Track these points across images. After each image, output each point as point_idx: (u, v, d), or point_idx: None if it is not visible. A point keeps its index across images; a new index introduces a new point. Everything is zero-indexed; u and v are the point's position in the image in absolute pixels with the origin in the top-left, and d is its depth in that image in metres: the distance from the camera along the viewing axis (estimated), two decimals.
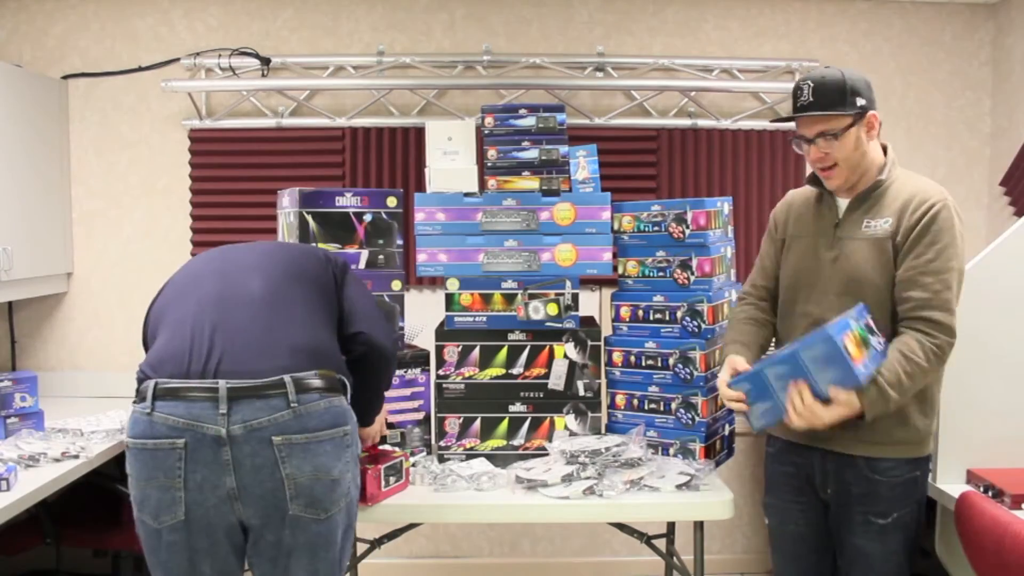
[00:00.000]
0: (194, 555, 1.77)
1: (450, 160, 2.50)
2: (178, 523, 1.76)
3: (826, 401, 1.89)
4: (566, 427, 2.44)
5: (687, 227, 2.37)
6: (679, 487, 2.19)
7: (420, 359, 2.45)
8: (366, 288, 2.11)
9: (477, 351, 2.44)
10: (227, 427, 1.71)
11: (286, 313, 1.87)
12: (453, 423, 2.44)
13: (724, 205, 2.50)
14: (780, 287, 2.19)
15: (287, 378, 1.75)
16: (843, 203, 2.09)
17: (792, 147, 2.15)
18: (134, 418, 1.80)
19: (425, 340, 2.54)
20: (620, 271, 2.52)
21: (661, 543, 2.63)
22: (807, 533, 2.15)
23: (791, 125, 2.11)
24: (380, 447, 2.28)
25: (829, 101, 1.98)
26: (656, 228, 2.43)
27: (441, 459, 2.40)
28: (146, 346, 2.00)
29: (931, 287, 1.93)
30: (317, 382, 1.78)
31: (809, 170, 2.15)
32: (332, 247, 2.32)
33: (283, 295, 1.90)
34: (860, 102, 2.00)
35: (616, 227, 2.49)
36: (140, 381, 1.83)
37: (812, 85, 1.99)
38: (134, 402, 1.82)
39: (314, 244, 2.31)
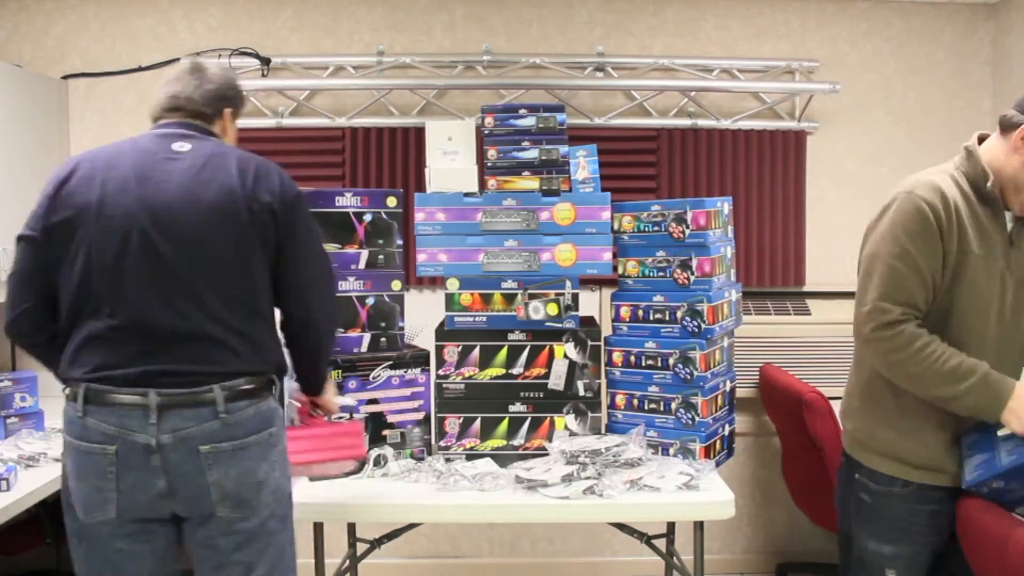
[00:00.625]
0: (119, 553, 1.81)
1: (450, 160, 2.50)
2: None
3: None
4: (566, 427, 2.44)
5: (687, 227, 2.37)
6: (679, 487, 2.19)
7: (420, 359, 2.45)
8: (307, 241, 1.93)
9: (477, 351, 2.44)
10: (156, 436, 1.74)
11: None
12: (453, 423, 2.44)
13: (724, 205, 2.50)
14: (950, 307, 1.89)
15: (216, 388, 1.75)
16: (1006, 214, 1.91)
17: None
18: None
19: (425, 340, 2.54)
20: (620, 271, 2.52)
21: (661, 543, 2.63)
22: None
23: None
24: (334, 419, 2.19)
25: None
26: (656, 228, 2.43)
27: (447, 460, 2.39)
28: None
29: None
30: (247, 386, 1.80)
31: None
32: (332, 247, 2.32)
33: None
34: None
35: (616, 227, 2.49)
36: None
37: None
38: None
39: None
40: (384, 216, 2.38)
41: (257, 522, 1.82)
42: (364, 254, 2.36)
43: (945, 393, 1.84)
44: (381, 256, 2.38)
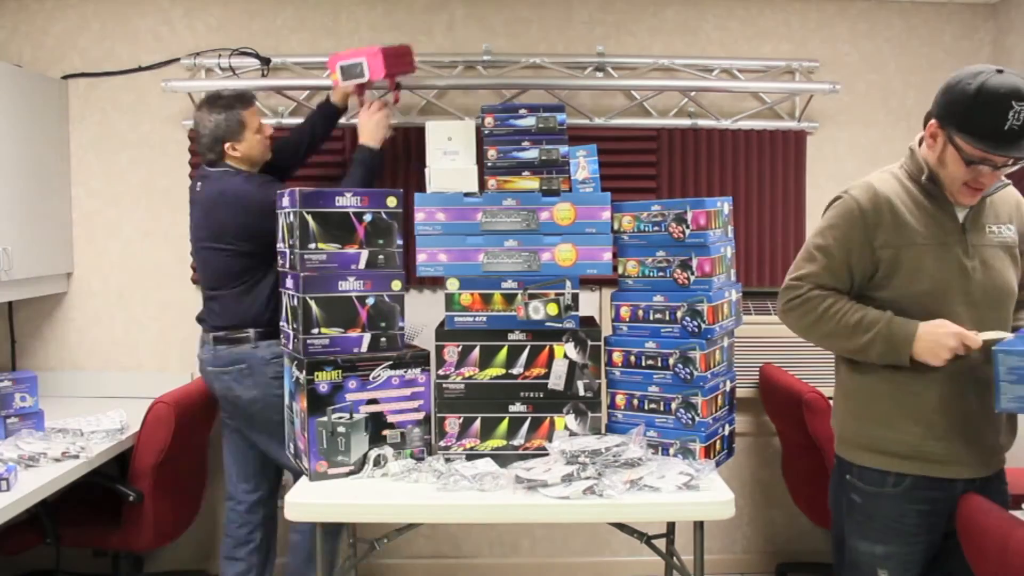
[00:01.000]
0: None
1: (450, 160, 2.51)
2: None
3: None
4: (566, 427, 2.44)
5: (687, 227, 2.37)
6: (679, 487, 2.19)
7: (420, 359, 2.45)
8: None
9: (477, 351, 2.44)
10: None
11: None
12: (453, 423, 2.44)
13: (724, 205, 2.50)
14: (904, 295, 1.96)
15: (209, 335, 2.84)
16: (955, 206, 1.99)
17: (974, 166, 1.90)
18: None
19: (425, 340, 2.54)
20: (620, 271, 2.52)
21: (661, 543, 2.63)
22: None
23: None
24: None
25: None
26: (656, 228, 2.43)
27: (447, 460, 2.39)
28: None
29: None
30: (224, 336, 2.81)
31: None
32: (332, 247, 2.33)
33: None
34: None
35: (616, 227, 2.49)
36: None
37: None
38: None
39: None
40: (384, 216, 2.38)
41: (246, 414, 2.84)
42: (364, 254, 2.36)
43: (855, 345, 1.97)
44: (381, 256, 2.38)
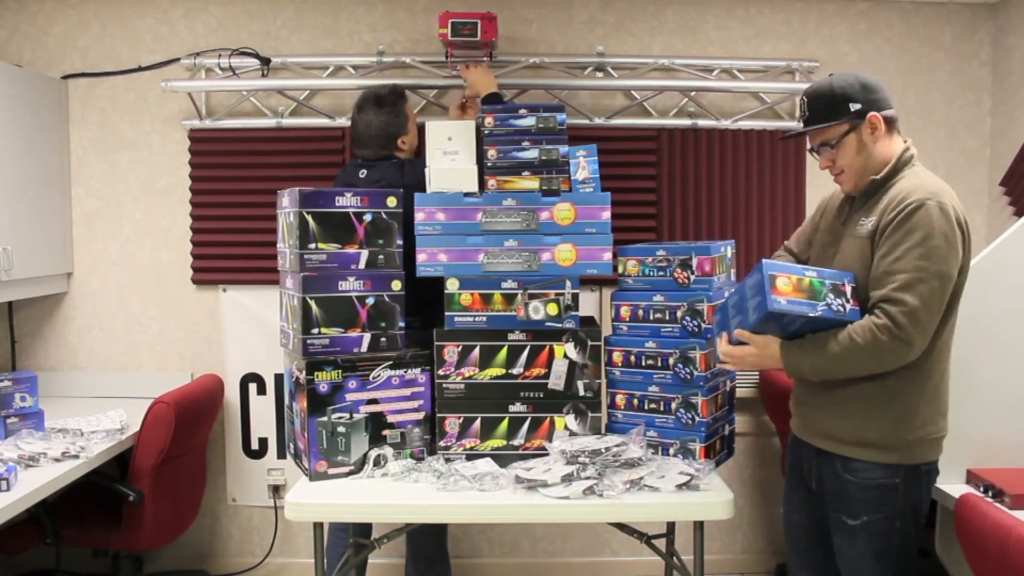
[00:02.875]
0: None
1: (450, 160, 2.50)
2: None
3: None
4: (566, 427, 2.44)
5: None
6: (679, 487, 2.19)
7: (420, 359, 2.45)
8: None
9: (477, 351, 2.44)
10: None
11: None
12: (453, 423, 2.44)
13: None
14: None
15: None
16: (854, 204, 2.14)
17: (808, 154, 2.25)
18: None
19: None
20: (620, 270, 2.52)
21: (661, 543, 2.63)
22: (809, 525, 2.19)
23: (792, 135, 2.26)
24: None
25: (820, 114, 2.05)
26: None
27: (447, 460, 2.39)
28: None
29: (889, 285, 1.89)
30: None
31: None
32: (332, 247, 2.33)
33: None
34: (855, 107, 2.02)
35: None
36: None
37: (807, 99, 2.09)
38: None
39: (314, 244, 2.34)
40: (384, 216, 2.38)
41: None
42: (364, 254, 2.36)
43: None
44: (381, 256, 2.38)
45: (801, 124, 2.13)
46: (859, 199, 2.09)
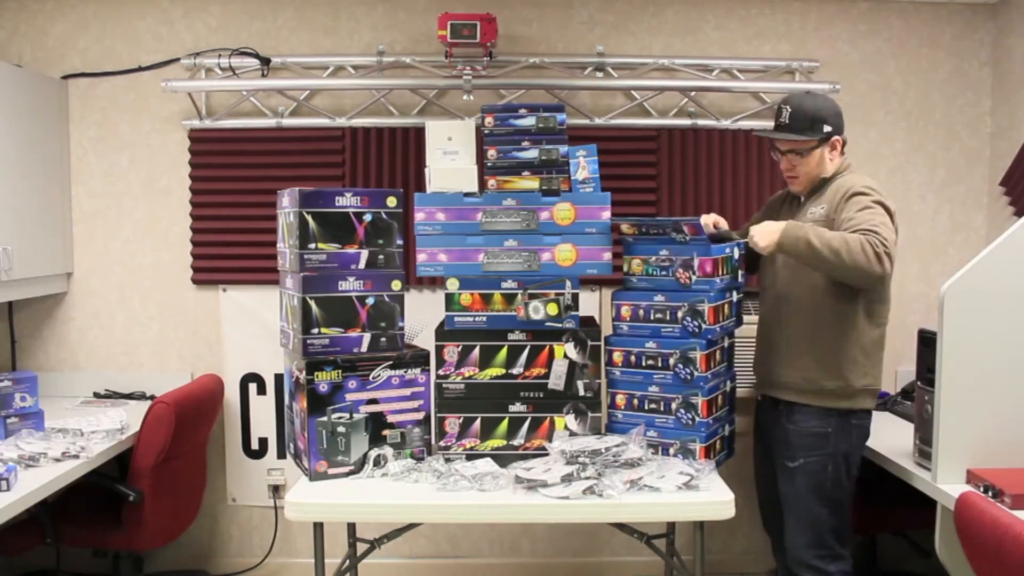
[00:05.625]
0: None
1: (450, 160, 2.50)
2: None
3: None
4: (566, 427, 2.44)
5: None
6: (679, 487, 2.19)
7: (420, 359, 2.45)
8: None
9: (477, 351, 2.44)
10: None
11: None
12: (453, 423, 2.44)
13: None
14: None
15: None
16: (804, 199, 2.54)
17: (769, 152, 2.61)
18: None
19: (425, 340, 2.54)
20: (625, 269, 2.51)
21: (661, 543, 2.63)
22: (769, 481, 2.63)
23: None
24: None
25: (800, 127, 2.44)
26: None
27: (447, 460, 2.39)
28: None
29: (861, 225, 2.24)
30: None
31: None
32: (332, 247, 2.33)
33: None
34: (827, 129, 2.44)
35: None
36: None
37: (790, 110, 2.45)
38: None
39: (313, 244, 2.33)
40: (384, 216, 2.38)
41: None
42: (364, 254, 2.36)
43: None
44: (381, 256, 2.38)
45: (773, 124, 2.50)
46: (807, 195, 2.53)
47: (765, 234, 2.33)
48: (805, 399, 2.43)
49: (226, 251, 3.42)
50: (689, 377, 2.36)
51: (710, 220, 2.55)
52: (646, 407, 2.44)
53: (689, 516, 2.23)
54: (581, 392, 2.44)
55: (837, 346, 2.40)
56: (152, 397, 2.67)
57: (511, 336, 2.44)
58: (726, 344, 2.54)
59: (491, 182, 2.48)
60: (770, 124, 3.44)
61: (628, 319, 2.48)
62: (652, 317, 2.43)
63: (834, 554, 2.44)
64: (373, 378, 2.37)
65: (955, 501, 2.04)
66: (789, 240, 2.28)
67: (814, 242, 2.23)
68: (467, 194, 2.45)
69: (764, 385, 2.60)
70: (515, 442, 2.44)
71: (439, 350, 2.45)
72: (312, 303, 2.30)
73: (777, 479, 2.53)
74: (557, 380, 2.43)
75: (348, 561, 2.72)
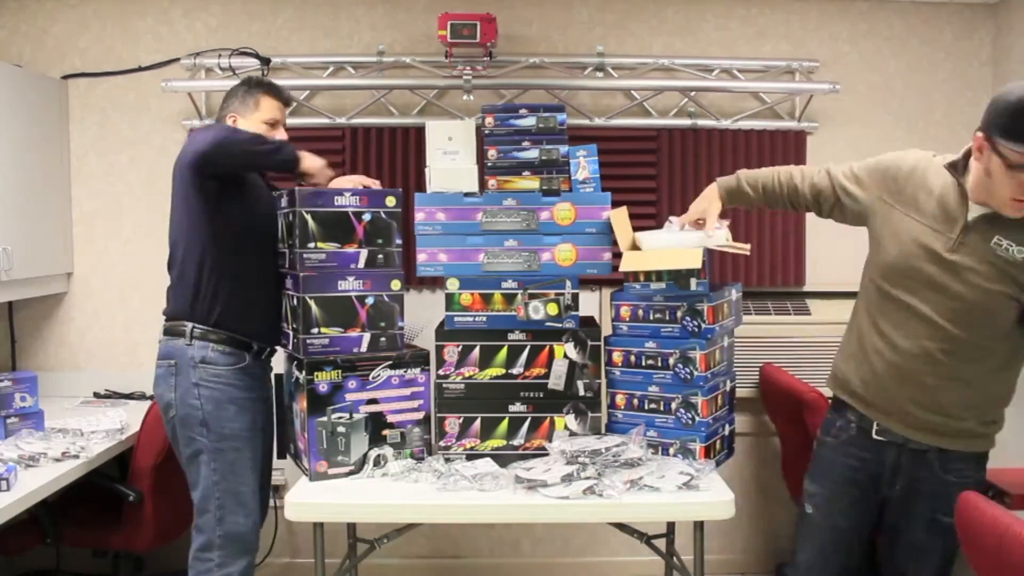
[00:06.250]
0: None
1: (450, 160, 2.50)
2: None
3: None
4: (566, 427, 2.44)
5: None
6: (679, 487, 2.19)
7: (420, 359, 2.45)
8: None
9: (477, 351, 2.44)
10: None
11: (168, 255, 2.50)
12: (453, 423, 2.44)
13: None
14: (879, 263, 2.07)
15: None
16: (974, 207, 1.94)
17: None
18: None
19: (425, 340, 2.54)
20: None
21: (661, 543, 2.63)
22: (848, 528, 2.17)
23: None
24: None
25: None
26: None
27: (447, 460, 2.39)
28: None
29: None
30: (165, 326, 2.47)
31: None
32: (331, 246, 2.33)
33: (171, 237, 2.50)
34: None
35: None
36: None
37: None
38: None
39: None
40: (383, 216, 2.38)
41: (166, 419, 2.46)
42: (363, 253, 2.36)
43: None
44: (380, 256, 2.38)
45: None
46: (983, 213, 1.93)
47: (698, 202, 2.35)
48: (964, 445, 2.06)
49: None
50: (689, 377, 2.36)
51: (684, 220, 2.39)
52: (646, 407, 2.44)
53: (689, 516, 2.23)
54: (581, 392, 2.44)
55: (1007, 380, 2.07)
56: (152, 397, 2.66)
57: (511, 336, 2.44)
58: (726, 343, 2.53)
59: (491, 182, 2.48)
60: (770, 124, 3.48)
61: (628, 319, 2.48)
62: (652, 317, 2.43)
63: None
64: (373, 378, 2.37)
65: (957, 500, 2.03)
66: (724, 186, 2.31)
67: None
68: (467, 194, 2.45)
69: (895, 431, 2.10)
70: (515, 442, 2.44)
71: (439, 350, 2.44)
72: (312, 303, 2.30)
73: (912, 534, 2.11)
74: (557, 380, 2.43)
75: (348, 561, 2.72)
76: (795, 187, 2.27)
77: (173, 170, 2.47)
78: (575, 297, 2.44)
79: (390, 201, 2.39)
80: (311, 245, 2.31)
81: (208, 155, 2.32)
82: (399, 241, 2.40)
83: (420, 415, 2.44)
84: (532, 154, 2.47)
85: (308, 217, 2.30)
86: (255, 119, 2.51)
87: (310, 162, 2.46)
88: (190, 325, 2.39)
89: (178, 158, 2.46)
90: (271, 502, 3.49)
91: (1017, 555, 1.72)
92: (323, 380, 2.31)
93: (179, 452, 2.48)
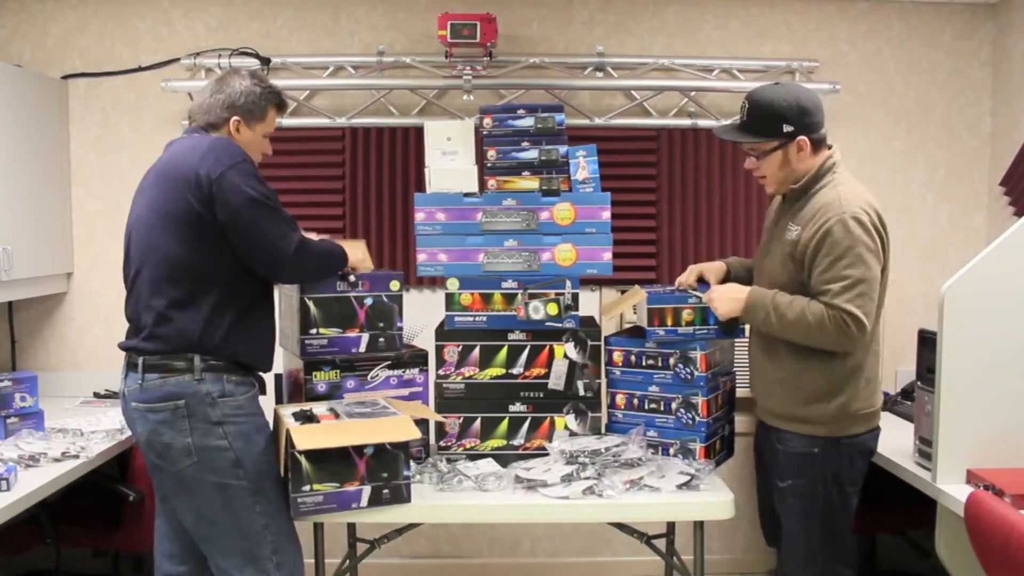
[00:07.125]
0: None
1: (450, 160, 2.51)
2: None
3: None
4: (566, 427, 2.44)
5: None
6: (679, 487, 2.19)
7: (418, 359, 2.45)
8: (254, 218, 2.10)
9: (477, 351, 2.44)
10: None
11: (152, 275, 2.20)
12: (453, 423, 2.44)
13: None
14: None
15: (139, 360, 2.17)
16: (787, 205, 2.30)
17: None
18: None
19: (425, 340, 2.54)
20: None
21: (661, 543, 2.63)
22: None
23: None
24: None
25: (755, 128, 2.19)
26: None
27: (448, 460, 2.39)
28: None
29: (830, 290, 2.09)
30: (159, 362, 2.14)
31: None
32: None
33: (152, 250, 2.21)
34: (787, 128, 2.15)
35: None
36: None
37: (748, 107, 2.20)
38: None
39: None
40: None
41: (184, 474, 2.11)
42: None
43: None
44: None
45: (737, 121, 2.25)
46: (788, 202, 2.28)
47: (725, 301, 2.26)
48: (791, 427, 2.25)
49: None
50: (689, 377, 2.36)
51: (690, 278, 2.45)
52: (646, 407, 2.44)
53: (689, 516, 2.23)
54: (581, 392, 2.44)
55: (823, 374, 2.20)
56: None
57: (511, 336, 2.44)
58: (726, 344, 2.53)
59: (491, 182, 2.48)
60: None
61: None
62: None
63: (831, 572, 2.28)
64: (371, 378, 2.37)
65: (965, 499, 2.03)
66: (749, 315, 2.23)
67: (772, 320, 2.15)
68: (467, 194, 2.45)
69: (757, 404, 2.42)
70: (515, 442, 2.44)
71: (439, 350, 2.45)
72: (310, 303, 2.29)
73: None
74: (557, 380, 2.43)
75: (348, 561, 2.72)
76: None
77: (176, 182, 2.14)
78: (575, 297, 2.44)
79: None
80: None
81: (288, 267, 2.16)
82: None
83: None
84: (531, 154, 2.47)
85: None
86: (259, 130, 2.30)
87: (353, 256, 2.32)
88: (196, 358, 2.10)
89: (214, 191, 2.08)
90: None
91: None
92: (321, 380, 2.32)
93: (189, 507, 2.15)
